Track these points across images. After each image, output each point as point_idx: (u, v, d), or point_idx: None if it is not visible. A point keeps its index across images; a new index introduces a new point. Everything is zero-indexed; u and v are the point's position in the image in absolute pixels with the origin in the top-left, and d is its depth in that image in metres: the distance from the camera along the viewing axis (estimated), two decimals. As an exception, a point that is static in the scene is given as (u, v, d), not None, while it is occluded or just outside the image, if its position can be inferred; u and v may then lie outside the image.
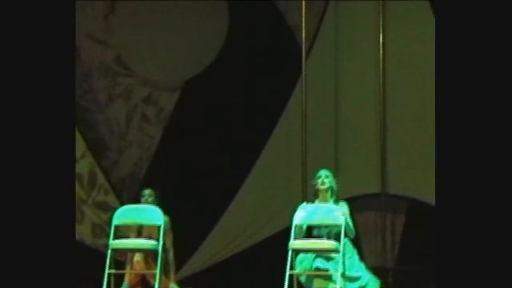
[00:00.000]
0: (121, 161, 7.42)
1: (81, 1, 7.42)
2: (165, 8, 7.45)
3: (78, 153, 7.39)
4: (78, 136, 7.38)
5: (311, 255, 6.05)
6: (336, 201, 6.20)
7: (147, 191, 6.54)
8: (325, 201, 6.19)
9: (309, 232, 6.04)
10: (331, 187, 6.19)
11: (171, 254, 6.40)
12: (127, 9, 7.60)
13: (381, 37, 7.22)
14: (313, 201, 6.22)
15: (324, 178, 6.19)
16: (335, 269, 5.85)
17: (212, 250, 7.14)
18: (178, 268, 6.95)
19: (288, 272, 5.88)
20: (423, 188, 6.92)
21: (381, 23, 7.22)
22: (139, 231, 6.42)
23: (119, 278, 6.30)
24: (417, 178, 6.80)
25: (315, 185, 6.26)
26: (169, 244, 6.37)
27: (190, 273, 7.00)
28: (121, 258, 6.35)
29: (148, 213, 6.32)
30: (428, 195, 6.86)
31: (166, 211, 6.14)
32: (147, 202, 6.44)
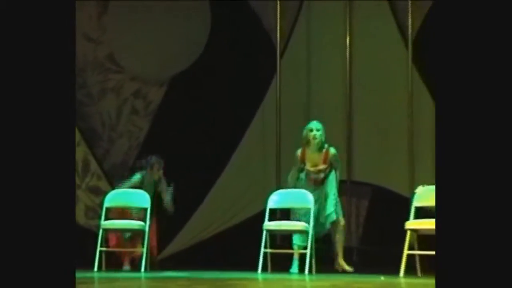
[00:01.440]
0: (112, 150, 7.46)
1: (75, 1, 7.62)
2: (153, 10, 7.47)
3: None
4: None
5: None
6: (321, 149, 6.22)
7: (154, 158, 6.49)
8: (315, 151, 6.21)
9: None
10: (321, 140, 6.23)
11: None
12: (119, 10, 7.59)
13: (348, 36, 7.34)
14: (303, 150, 6.23)
15: (316, 132, 6.21)
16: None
17: (194, 231, 7.19)
18: (161, 248, 7.05)
19: (262, 251, 6.00)
20: (385, 176, 7.07)
21: (348, 23, 7.33)
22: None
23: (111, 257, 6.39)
24: (380, 167, 6.95)
25: (306, 136, 6.24)
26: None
27: (173, 252, 7.09)
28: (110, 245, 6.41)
29: (136, 196, 6.42)
30: (390, 183, 7.04)
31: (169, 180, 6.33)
32: (152, 170, 6.46)
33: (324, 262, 6.09)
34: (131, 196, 6.47)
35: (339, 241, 6.18)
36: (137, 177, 6.55)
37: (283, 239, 6.69)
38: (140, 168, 6.60)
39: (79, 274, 3.42)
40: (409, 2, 7.19)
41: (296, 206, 6.29)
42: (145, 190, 6.44)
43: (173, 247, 7.13)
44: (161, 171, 6.56)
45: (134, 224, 6.32)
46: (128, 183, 6.56)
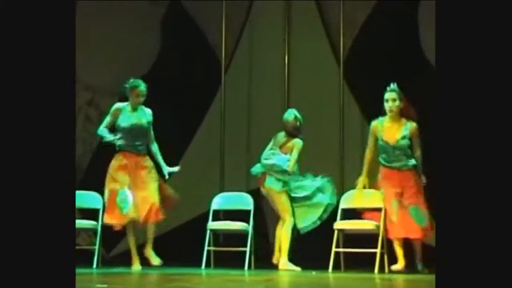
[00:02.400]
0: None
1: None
2: (108, 25, 7.59)
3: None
4: None
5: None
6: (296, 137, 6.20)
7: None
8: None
9: None
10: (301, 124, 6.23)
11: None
12: (76, 24, 7.81)
13: (286, 54, 7.62)
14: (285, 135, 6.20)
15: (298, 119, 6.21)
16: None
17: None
18: (112, 246, 7.04)
19: (206, 248, 6.14)
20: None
21: (286, 42, 7.62)
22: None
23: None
24: (312, 172, 7.11)
25: (288, 121, 6.20)
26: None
27: (122, 250, 6.95)
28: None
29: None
30: None
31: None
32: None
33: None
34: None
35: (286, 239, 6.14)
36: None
37: (225, 238, 6.82)
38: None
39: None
40: (341, 24, 7.48)
41: (238, 208, 6.45)
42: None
43: (122, 246, 7.02)
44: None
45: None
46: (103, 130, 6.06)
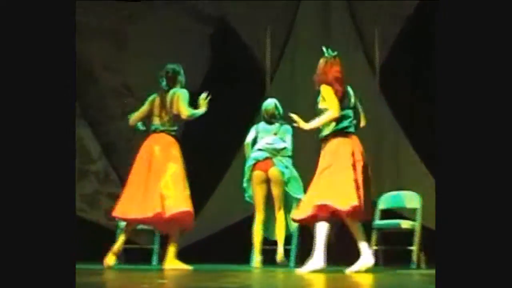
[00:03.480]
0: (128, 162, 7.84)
1: (98, 39, 7.92)
2: (160, 43, 7.83)
3: (95, 156, 7.79)
4: (95, 142, 7.74)
5: None
6: (282, 124, 6.08)
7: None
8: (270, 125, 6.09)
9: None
10: (279, 113, 6.08)
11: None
12: (133, 45, 7.97)
13: None
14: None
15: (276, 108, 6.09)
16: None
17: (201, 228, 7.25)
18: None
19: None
20: None
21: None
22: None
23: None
24: None
25: (267, 109, 6.09)
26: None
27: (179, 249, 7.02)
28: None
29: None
30: None
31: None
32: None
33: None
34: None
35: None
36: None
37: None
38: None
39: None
40: (376, 37, 7.57)
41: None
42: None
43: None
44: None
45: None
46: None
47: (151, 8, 7.90)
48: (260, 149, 5.98)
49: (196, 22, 7.97)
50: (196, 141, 6.94)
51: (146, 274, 4.79)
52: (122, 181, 7.62)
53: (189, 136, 6.72)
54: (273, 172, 5.95)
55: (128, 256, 6.62)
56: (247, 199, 6.22)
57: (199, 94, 6.57)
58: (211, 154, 7.59)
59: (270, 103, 6.16)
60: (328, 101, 5.00)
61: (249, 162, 6.01)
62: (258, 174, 6.00)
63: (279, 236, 5.93)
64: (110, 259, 5.43)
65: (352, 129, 5.06)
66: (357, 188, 4.85)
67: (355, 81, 7.42)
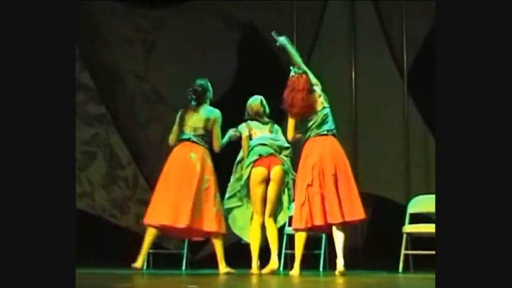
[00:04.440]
0: (157, 168, 7.71)
1: (126, 45, 7.80)
2: (189, 52, 7.73)
3: (125, 161, 7.71)
4: (124, 148, 7.66)
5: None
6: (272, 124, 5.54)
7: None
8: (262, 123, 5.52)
9: None
10: (265, 112, 5.53)
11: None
12: (161, 51, 7.88)
13: (353, 70, 7.62)
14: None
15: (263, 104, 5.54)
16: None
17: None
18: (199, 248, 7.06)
19: (283, 251, 5.99)
20: (385, 187, 7.26)
21: (353, 59, 7.60)
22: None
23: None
24: (380, 179, 7.09)
25: (251, 106, 5.53)
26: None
27: (207, 254, 6.81)
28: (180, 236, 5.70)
29: None
30: (389, 192, 7.22)
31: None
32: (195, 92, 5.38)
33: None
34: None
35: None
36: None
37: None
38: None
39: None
40: (404, 39, 7.38)
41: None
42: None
43: (207, 249, 6.97)
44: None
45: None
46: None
47: (179, 12, 7.85)
48: (263, 144, 5.34)
49: (225, 27, 7.85)
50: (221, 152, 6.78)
51: (176, 278, 4.71)
52: (151, 187, 7.40)
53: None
54: (277, 170, 5.27)
55: (156, 261, 6.49)
56: (242, 235, 5.47)
57: (223, 100, 6.48)
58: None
59: (255, 100, 5.58)
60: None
61: (251, 157, 5.31)
62: (259, 171, 5.27)
63: (273, 242, 5.26)
64: (138, 262, 5.30)
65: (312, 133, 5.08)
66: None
67: (381, 84, 7.64)
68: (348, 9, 7.71)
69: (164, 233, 5.49)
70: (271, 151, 5.31)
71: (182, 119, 5.43)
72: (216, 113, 5.49)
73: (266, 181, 5.30)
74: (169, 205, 5.21)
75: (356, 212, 4.89)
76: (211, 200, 5.25)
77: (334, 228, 4.89)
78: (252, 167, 5.28)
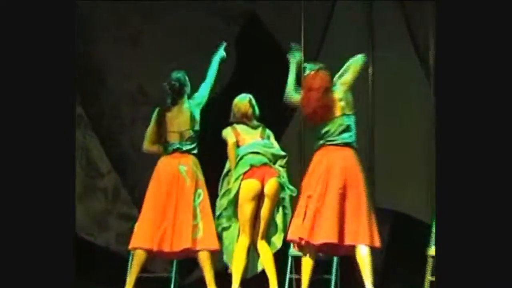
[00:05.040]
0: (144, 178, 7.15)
1: (111, 44, 7.30)
2: (178, 51, 7.18)
3: (104, 170, 7.18)
4: (104, 154, 7.14)
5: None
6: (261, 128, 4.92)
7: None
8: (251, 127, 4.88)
9: None
10: (254, 114, 4.91)
11: None
12: (148, 47, 7.39)
13: (370, 67, 6.91)
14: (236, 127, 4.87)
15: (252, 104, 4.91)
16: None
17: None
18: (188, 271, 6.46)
19: (288, 276, 5.39)
20: (406, 202, 6.71)
21: (371, 56, 6.88)
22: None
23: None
24: (400, 194, 6.59)
25: (237, 106, 4.90)
26: None
27: (197, 278, 6.25)
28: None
29: None
30: (411, 209, 6.67)
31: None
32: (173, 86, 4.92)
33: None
34: None
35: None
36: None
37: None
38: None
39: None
40: (430, 37, 6.73)
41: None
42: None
43: (197, 273, 6.38)
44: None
45: None
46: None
47: (168, 6, 7.38)
48: (254, 152, 4.67)
49: (220, 20, 7.40)
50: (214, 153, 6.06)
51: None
52: (135, 200, 7.04)
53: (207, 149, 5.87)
54: (273, 184, 4.61)
55: (140, 286, 5.71)
56: (225, 260, 4.88)
57: (223, 97, 5.76)
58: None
59: (242, 99, 4.91)
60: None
61: (241, 168, 4.64)
62: (251, 184, 4.58)
63: (270, 267, 4.67)
64: None
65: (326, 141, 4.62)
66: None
67: (403, 87, 6.86)
68: (361, 6, 7.18)
69: (155, 256, 5.03)
70: (265, 160, 4.66)
71: (163, 123, 4.94)
72: (198, 97, 5.08)
73: (259, 196, 4.63)
74: (159, 227, 4.79)
75: (362, 236, 4.40)
76: (206, 215, 4.84)
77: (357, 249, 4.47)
78: (242, 179, 4.62)
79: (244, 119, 4.82)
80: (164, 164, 4.86)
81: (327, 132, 4.51)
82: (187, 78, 5.09)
